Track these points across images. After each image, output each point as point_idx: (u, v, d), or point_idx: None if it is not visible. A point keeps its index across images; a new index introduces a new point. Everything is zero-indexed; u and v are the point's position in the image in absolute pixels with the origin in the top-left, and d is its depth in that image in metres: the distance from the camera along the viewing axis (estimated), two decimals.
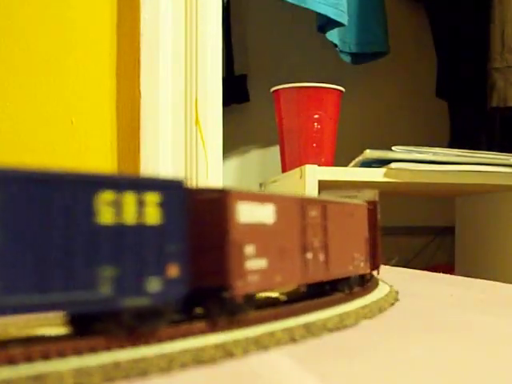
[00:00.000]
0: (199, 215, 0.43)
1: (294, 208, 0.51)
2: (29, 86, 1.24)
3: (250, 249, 0.45)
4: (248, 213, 0.45)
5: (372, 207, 0.67)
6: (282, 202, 0.50)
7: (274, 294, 0.57)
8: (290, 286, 0.57)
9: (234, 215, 0.43)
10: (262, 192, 0.48)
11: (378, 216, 0.68)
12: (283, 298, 0.57)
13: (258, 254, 0.46)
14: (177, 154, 1.26)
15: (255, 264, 0.45)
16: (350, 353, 0.45)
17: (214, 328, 0.43)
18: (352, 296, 0.60)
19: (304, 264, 0.52)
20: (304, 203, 0.53)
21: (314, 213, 0.53)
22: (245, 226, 0.45)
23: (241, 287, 0.43)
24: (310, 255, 0.52)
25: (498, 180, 1.44)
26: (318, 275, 0.54)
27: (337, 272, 0.58)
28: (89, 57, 1.27)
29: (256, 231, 0.46)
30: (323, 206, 0.56)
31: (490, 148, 1.56)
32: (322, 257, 0.54)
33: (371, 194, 0.68)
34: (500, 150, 1.49)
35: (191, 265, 0.42)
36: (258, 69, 1.92)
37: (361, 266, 0.63)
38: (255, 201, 0.46)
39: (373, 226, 0.66)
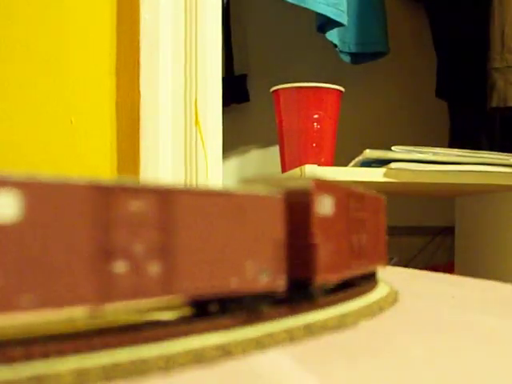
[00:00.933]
0: None
1: (79, 198, 0.35)
2: (29, 86, 1.24)
3: None
4: None
5: (303, 199, 0.50)
6: (42, 191, 0.34)
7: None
8: (78, 308, 0.37)
9: None
10: None
11: (318, 209, 0.51)
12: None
13: None
14: (177, 154, 1.26)
15: None
16: (350, 353, 0.45)
17: None
18: (352, 296, 0.59)
19: (105, 277, 0.36)
20: (108, 191, 0.37)
21: (136, 204, 0.38)
22: None
23: None
24: (120, 265, 0.37)
25: (498, 180, 1.44)
26: (145, 292, 0.38)
27: (195, 288, 0.41)
28: (89, 57, 1.27)
29: None
30: (162, 195, 0.40)
31: (490, 148, 1.56)
32: (155, 267, 0.39)
33: (304, 183, 0.50)
34: (500, 150, 1.49)
35: None
36: (258, 69, 1.92)
37: (262, 280, 0.46)
38: None
39: (304, 223, 0.50)
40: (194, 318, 0.45)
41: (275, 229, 0.48)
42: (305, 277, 0.49)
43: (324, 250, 0.51)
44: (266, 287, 0.46)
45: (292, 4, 1.50)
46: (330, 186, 0.54)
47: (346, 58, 1.77)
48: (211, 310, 0.45)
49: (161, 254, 0.39)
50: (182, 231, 0.40)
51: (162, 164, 1.24)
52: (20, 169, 0.33)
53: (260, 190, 0.48)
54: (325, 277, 0.51)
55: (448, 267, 1.71)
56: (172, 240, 0.40)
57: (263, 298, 0.47)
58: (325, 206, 0.53)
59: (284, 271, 0.48)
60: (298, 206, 0.50)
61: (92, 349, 0.37)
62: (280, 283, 0.48)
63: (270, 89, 1.57)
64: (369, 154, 1.40)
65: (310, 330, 0.47)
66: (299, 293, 0.50)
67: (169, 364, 0.37)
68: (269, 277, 0.47)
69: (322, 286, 0.52)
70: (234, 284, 0.44)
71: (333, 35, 1.65)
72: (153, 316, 0.48)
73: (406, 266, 1.36)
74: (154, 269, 0.39)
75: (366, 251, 0.63)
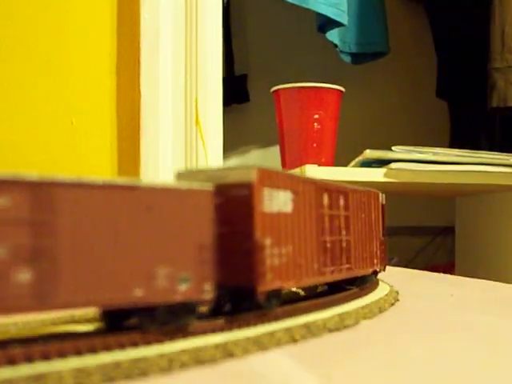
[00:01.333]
0: None
1: None
2: (29, 86, 1.24)
3: None
4: None
5: (246, 193, 0.42)
6: None
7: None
8: None
9: None
10: None
11: (263, 205, 0.42)
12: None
13: None
14: (177, 154, 1.26)
15: None
16: (350, 353, 0.45)
17: None
18: (352, 296, 0.59)
19: None
20: None
21: None
22: None
23: None
24: None
25: (498, 180, 1.44)
26: (9, 305, 0.31)
27: (84, 300, 0.34)
28: (89, 57, 1.27)
29: None
30: (35, 189, 0.32)
31: (490, 148, 1.56)
32: (24, 275, 0.31)
33: (245, 174, 0.42)
34: (500, 150, 1.49)
35: None
36: (259, 69, 1.92)
37: (180, 289, 0.39)
38: None
39: (244, 221, 0.42)
40: (106, 332, 0.39)
41: (200, 229, 0.40)
42: (249, 285, 0.42)
43: (274, 253, 0.43)
44: (187, 297, 0.39)
45: (292, 4, 1.50)
46: (284, 178, 0.46)
47: (347, 58, 1.77)
48: (129, 323, 0.39)
49: (33, 259, 0.32)
50: (64, 232, 0.33)
51: (163, 164, 1.24)
52: (20, 169, 0.33)
53: (184, 183, 0.40)
54: (276, 284, 0.44)
55: (448, 267, 1.71)
56: (49, 242, 0.32)
57: (188, 309, 0.40)
58: (276, 200, 0.44)
59: (211, 278, 0.40)
60: (239, 201, 0.42)
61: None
62: (206, 292, 0.40)
63: (270, 89, 1.57)
64: (369, 154, 1.40)
65: (310, 330, 0.47)
66: (244, 303, 0.43)
67: (170, 364, 0.37)
68: (190, 285, 0.39)
69: (273, 295, 0.45)
70: (139, 294, 0.37)
71: (333, 35, 1.65)
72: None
73: (406, 266, 1.36)
74: (23, 277, 0.31)
75: (351, 253, 0.57)
